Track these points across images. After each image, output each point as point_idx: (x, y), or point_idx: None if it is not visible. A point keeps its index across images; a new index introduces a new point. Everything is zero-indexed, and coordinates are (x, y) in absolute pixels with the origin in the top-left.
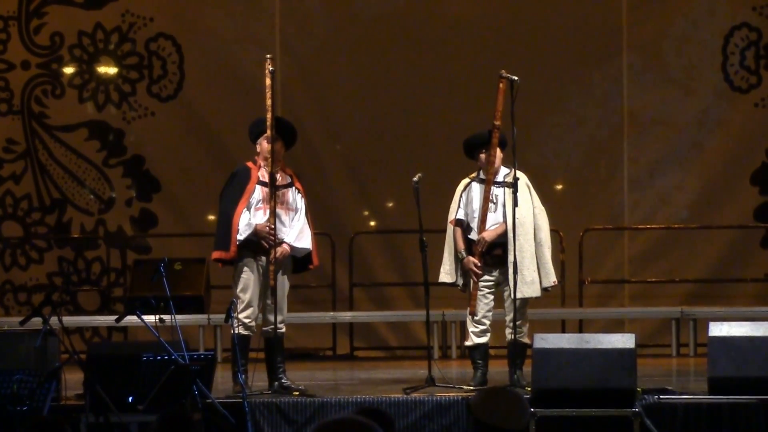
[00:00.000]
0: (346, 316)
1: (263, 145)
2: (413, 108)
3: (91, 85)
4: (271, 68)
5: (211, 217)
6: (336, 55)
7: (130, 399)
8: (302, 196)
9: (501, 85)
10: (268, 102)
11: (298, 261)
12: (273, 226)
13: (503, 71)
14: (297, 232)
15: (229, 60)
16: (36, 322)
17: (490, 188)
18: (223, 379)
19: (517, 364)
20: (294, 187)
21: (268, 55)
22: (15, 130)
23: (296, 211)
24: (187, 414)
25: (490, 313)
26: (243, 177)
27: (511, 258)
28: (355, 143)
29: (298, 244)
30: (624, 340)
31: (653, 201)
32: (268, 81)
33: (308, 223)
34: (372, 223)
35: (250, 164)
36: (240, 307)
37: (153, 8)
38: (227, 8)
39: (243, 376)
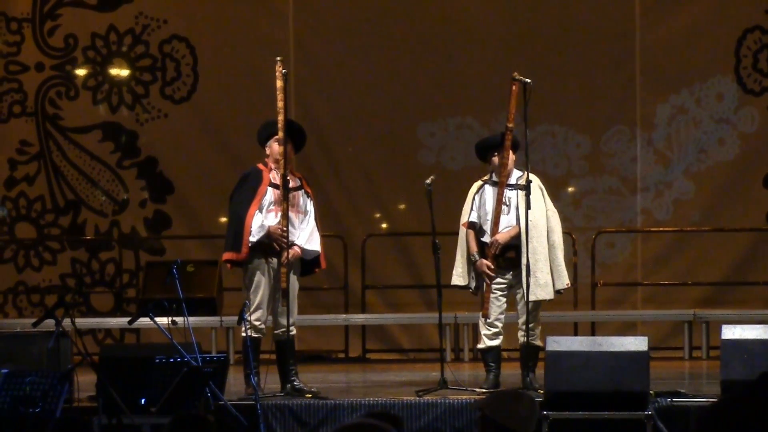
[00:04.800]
0: (359, 318)
1: (273, 147)
2: (426, 110)
3: (104, 87)
4: (283, 70)
5: (224, 220)
6: (350, 56)
7: (143, 401)
8: (311, 200)
9: (514, 87)
10: (280, 104)
11: (306, 264)
12: (285, 229)
13: (516, 74)
14: (308, 234)
15: (243, 62)
16: (49, 323)
17: (503, 191)
18: (235, 381)
19: (530, 367)
20: (303, 191)
21: (278, 58)
22: (29, 131)
23: (306, 213)
24: (202, 416)
25: (503, 316)
26: (254, 179)
27: (524, 260)
28: (368, 145)
29: (309, 247)
30: (637, 343)
31: (666, 204)
32: (279, 83)
33: (317, 226)
34: (384, 226)
35: (260, 166)
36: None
37: (166, 10)
38: (241, 10)
39: (255, 378)
